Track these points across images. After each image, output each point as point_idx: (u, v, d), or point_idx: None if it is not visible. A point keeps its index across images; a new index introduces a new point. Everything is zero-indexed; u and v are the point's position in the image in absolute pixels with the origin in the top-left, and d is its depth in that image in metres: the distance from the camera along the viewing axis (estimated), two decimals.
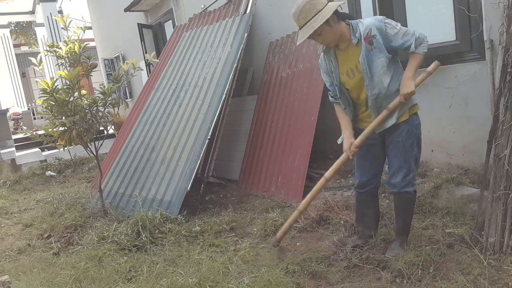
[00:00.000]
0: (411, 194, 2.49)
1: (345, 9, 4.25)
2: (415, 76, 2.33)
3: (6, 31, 16.17)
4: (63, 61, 4.14)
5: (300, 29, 2.28)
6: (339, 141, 2.60)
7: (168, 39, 6.94)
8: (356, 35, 2.30)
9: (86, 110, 3.99)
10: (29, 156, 9.04)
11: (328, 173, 2.55)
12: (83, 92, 4.10)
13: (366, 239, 2.70)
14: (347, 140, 2.46)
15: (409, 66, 2.33)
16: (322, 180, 2.59)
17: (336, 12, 2.27)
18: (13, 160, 8.01)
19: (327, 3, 2.23)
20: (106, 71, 11.38)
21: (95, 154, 4.22)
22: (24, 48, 19.17)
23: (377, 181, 2.64)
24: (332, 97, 2.57)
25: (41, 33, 14.59)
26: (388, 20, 2.31)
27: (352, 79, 2.40)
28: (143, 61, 8.11)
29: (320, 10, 2.21)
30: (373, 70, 2.31)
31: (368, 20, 2.32)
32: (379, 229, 2.85)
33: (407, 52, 2.33)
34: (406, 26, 3.65)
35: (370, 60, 2.29)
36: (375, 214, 2.73)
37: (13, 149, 9.17)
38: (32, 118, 15.35)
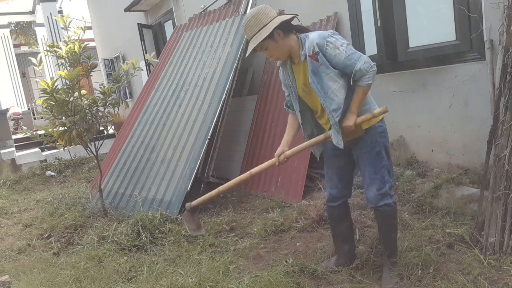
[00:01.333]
0: (390, 207, 2.30)
1: (345, 10, 4.25)
2: (357, 111, 2.20)
3: (6, 31, 16.18)
4: (63, 61, 4.14)
5: (249, 41, 2.22)
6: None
7: (168, 39, 6.94)
8: (302, 52, 2.20)
9: (86, 110, 3.99)
10: (29, 156, 9.04)
11: (254, 170, 2.50)
12: (83, 92, 4.10)
13: (347, 254, 2.57)
14: (281, 147, 2.41)
15: (353, 99, 2.20)
16: (247, 174, 2.51)
17: (285, 26, 2.19)
18: (13, 160, 8.01)
19: (275, 17, 2.16)
20: (106, 71, 11.38)
21: (95, 154, 4.22)
22: (24, 48, 19.18)
23: (348, 193, 2.52)
24: (286, 106, 2.51)
25: (41, 33, 14.60)
26: (333, 39, 2.15)
27: (308, 94, 2.30)
28: (143, 61, 8.12)
29: (266, 24, 2.13)
30: (325, 87, 2.18)
31: (313, 35, 2.19)
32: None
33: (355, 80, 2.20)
34: (406, 27, 3.66)
35: (319, 77, 2.18)
36: (350, 227, 2.61)
37: (13, 149, 9.17)
38: (32, 118, 15.35)
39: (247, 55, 2.29)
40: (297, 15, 2.27)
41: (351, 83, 2.17)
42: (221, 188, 2.60)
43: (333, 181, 2.49)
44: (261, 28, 2.14)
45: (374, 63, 2.16)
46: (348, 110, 2.21)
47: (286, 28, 2.21)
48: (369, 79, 2.15)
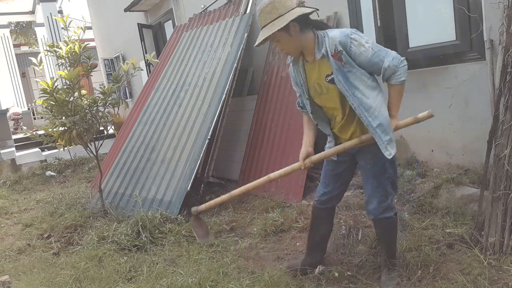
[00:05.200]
0: (391, 219, 2.25)
1: (345, 10, 4.25)
2: (397, 113, 2.11)
3: (6, 31, 16.18)
4: (63, 61, 4.14)
5: (261, 29, 2.05)
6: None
7: (168, 39, 6.95)
8: (322, 50, 2.05)
9: (86, 110, 3.99)
10: (29, 156, 9.04)
11: (274, 175, 2.35)
12: (83, 92, 4.10)
13: (317, 256, 2.55)
14: (305, 148, 2.28)
15: (389, 103, 2.11)
16: (265, 178, 2.37)
17: (303, 20, 2.03)
18: (13, 160, 8.01)
19: (293, 8, 1.99)
20: (106, 71, 11.38)
21: (95, 154, 4.22)
22: (24, 48, 19.19)
23: (338, 199, 2.49)
24: (299, 106, 2.40)
25: (41, 33, 14.60)
26: (357, 36, 2.01)
27: (321, 95, 2.18)
28: (143, 61, 8.12)
29: (282, 15, 1.97)
30: (352, 87, 2.03)
31: (334, 33, 2.04)
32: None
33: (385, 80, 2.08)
34: (406, 27, 3.66)
35: (344, 77, 2.02)
36: (328, 233, 2.56)
37: (13, 149, 9.18)
38: (32, 118, 15.36)
39: (256, 44, 2.10)
40: (317, 9, 2.09)
41: (383, 82, 2.05)
42: (233, 192, 2.49)
43: (328, 185, 2.43)
44: (277, 18, 1.98)
45: (404, 57, 2.02)
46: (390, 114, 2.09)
47: (304, 22, 2.05)
48: (401, 76, 2.02)
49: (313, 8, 2.06)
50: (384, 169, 2.20)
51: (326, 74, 2.09)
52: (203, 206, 2.59)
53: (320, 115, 2.29)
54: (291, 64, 2.26)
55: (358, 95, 2.04)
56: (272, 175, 2.36)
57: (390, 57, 2.01)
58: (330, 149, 2.27)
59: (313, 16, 2.13)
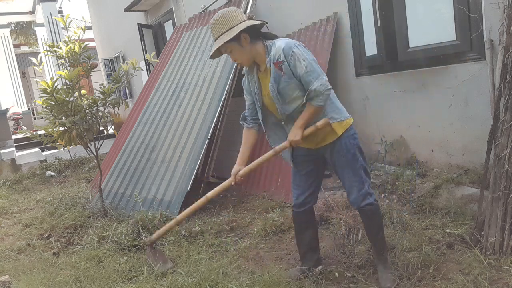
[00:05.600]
0: (373, 205, 2.33)
1: (345, 10, 4.25)
2: (304, 125, 2.22)
3: (6, 31, 16.17)
4: (63, 61, 4.14)
5: (214, 41, 2.20)
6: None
7: (168, 39, 6.94)
8: (268, 59, 2.19)
9: (86, 110, 3.99)
10: (29, 156, 9.04)
11: (210, 194, 2.59)
12: (83, 92, 4.10)
13: (313, 257, 2.56)
14: (237, 165, 2.44)
15: (302, 114, 2.21)
16: (203, 199, 2.62)
17: (253, 31, 2.18)
18: (13, 160, 8.00)
19: (243, 21, 2.15)
20: (106, 71, 11.38)
21: (95, 154, 4.22)
22: (24, 48, 19.19)
23: (314, 198, 2.53)
24: (244, 119, 2.52)
25: (41, 33, 14.60)
26: (298, 51, 2.11)
27: (273, 102, 2.28)
28: (143, 61, 8.12)
29: (233, 27, 2.12)
30: (284, 95, 2.18)
31: (279, 43, 2.16)
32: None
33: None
34: (406, 27, 3.66)
35: (280, 86, 2.17)
36: (315, 234, 2.59)
37: (13, 149, 9.17)
38: (32, 118, 15.35)
39: (209, 56, 2.28)
40: (267, 22, 2.26)
41: (304, 100, 2.16)
42: (179, 217, 2.76)
43: (300, 187, 2.48)
44: (228, 30, 2.13)
45: (330, 87, 2.13)
46: (295, 125, 2.23)
47: (254, 33, 2.20)
48: (321, 101, 2.13)
49: (262, 20, 2.23)
50: (356, 158, 2.29)
51: None
52: (154, 236, 2.84)
53: (269, 124, 2.43)
54: (245, 74, 2.38)
55: (289, 103, 2.20)
56: (209, 194, 2.61)
57: (318, 82, 2.10)
58: (257, 160, 2.44)
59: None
